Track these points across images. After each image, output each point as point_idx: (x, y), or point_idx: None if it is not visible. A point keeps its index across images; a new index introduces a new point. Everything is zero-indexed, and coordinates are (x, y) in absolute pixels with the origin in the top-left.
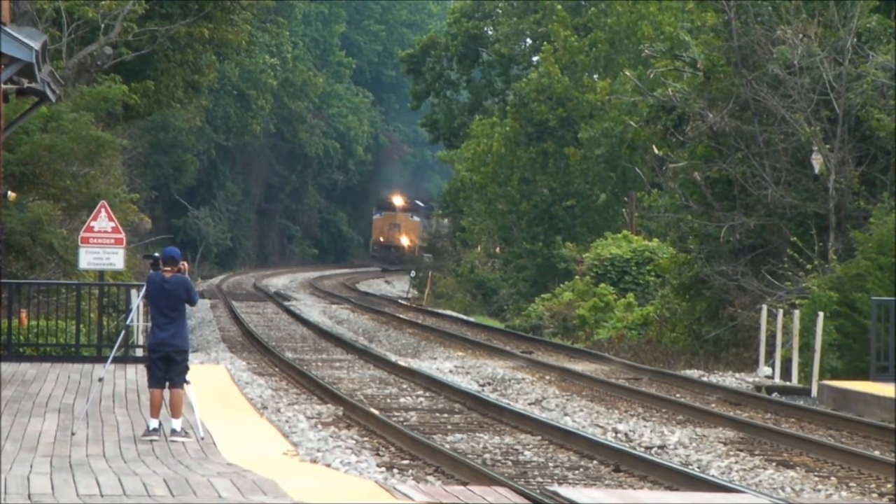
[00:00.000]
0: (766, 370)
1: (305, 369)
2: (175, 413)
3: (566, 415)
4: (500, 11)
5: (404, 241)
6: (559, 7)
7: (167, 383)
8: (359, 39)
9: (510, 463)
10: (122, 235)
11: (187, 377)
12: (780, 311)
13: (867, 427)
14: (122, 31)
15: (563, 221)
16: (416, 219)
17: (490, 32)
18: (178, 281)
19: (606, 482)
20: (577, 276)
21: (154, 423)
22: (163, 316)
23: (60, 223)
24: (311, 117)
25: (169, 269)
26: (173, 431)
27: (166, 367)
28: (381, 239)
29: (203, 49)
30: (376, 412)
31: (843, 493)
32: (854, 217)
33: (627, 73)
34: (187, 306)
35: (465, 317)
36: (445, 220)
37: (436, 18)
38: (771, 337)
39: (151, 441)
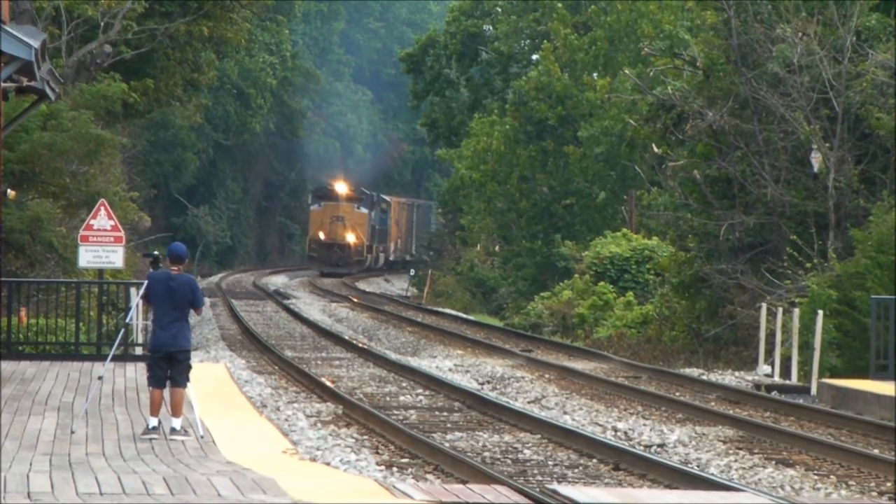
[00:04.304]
0: (766, 368)
1: (305, 368)
2: (175, 412)
3: (566, 413)
4: (500, 10)
5: (350, 237)
6: (559, 5)
7: (168, 382)
8: (358, 38)
9: (510, 461)
10: (122, 234)
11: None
12: (780, 310)
13: (867, 425)
14: (121, 30)
15: (562, 220)
16: (364, 210)
17: (489, 31)
18: (184, 280)
19: (606, 480)
20: (576, 275)
21: (153, 422)
22: (165, 315)
23: (60, 221)
24: (311, 116)
25: (176, 267)
26: (173, 430)
27: (168, 365)
28: (322, 235)
29: (202, 47)
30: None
31: (843, 492)
32: (853, 215)
33: (627, 72)
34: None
35: (464, 315)
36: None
37: (435, 17)
38: (770, 335)
39: (151, 439)
